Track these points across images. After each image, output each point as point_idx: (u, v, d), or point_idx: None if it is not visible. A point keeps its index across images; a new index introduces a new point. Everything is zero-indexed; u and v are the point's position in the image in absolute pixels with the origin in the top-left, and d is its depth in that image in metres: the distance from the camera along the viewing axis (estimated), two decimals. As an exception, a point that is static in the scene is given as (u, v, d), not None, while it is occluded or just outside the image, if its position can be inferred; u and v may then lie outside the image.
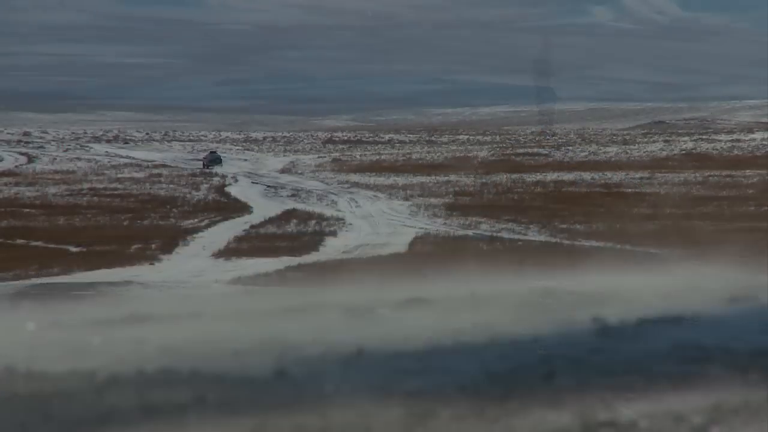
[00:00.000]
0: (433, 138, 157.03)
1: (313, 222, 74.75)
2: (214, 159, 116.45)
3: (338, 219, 76.73)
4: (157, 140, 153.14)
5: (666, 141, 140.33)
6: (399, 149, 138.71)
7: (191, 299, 36.00)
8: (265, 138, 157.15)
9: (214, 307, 24.24)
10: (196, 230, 71.62)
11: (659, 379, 12.88)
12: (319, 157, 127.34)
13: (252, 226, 73.17)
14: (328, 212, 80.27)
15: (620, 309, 22.47)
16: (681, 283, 30.07)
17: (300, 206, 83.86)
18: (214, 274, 54.94)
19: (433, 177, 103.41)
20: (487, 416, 11.29)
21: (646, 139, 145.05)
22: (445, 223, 74.93)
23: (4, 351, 12.93)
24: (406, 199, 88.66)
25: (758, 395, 11.42)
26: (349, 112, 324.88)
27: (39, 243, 67.02)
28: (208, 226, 73.58)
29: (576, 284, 31.12)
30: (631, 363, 14.14)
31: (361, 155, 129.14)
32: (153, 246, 64.69)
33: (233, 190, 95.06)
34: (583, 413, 11.07)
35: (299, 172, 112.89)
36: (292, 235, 69.44)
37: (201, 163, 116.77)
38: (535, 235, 69.64)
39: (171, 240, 67.07)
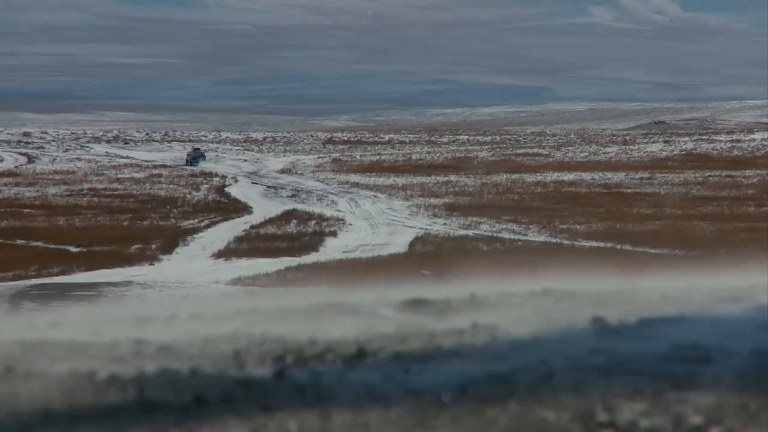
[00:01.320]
0: (433, 138, 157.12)
1: (313, 222, 74.79)
2: (197, 155, 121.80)
3: (338, 219, 76.78)
4: (157, 140, 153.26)
5: (666, 141, 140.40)
6: (399, 149, 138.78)
7: (191, 300, 36.02)
8: (265, 138, 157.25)
9: (214, 308, 24.25)
10: (196, 230, 71.67)
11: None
12: (319, 158, 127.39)
13: (252, 227, 73.22)
14: (328, 212, 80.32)
15: (617, 310, 22.50)
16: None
17: (300, 206, 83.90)
18: (213, 274, 54.98)
19: (433, 177, 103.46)
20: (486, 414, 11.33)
21: (646, 140, 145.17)
22: (445, 224, 74.98)
23: (4, 351, 12.97)
24: (406, 199, 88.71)
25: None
26: (349, 113, 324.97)
27: (39, 243, 67.08)
28: (208, 226, 73.63)
29: (576, 285, 31.12)
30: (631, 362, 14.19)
31: (361, 155, 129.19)
32: (153, 246, 64.76)
33: (233, 191, 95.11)
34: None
35: (299, 172, 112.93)
36: (292, 236, 69.48)
37: (185, 159, 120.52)
38: (535, 235, 69.68)
39: (171, 240, 67.12)
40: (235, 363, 14.84)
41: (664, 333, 18.64)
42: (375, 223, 75.19)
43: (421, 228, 71.81)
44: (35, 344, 15.00)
